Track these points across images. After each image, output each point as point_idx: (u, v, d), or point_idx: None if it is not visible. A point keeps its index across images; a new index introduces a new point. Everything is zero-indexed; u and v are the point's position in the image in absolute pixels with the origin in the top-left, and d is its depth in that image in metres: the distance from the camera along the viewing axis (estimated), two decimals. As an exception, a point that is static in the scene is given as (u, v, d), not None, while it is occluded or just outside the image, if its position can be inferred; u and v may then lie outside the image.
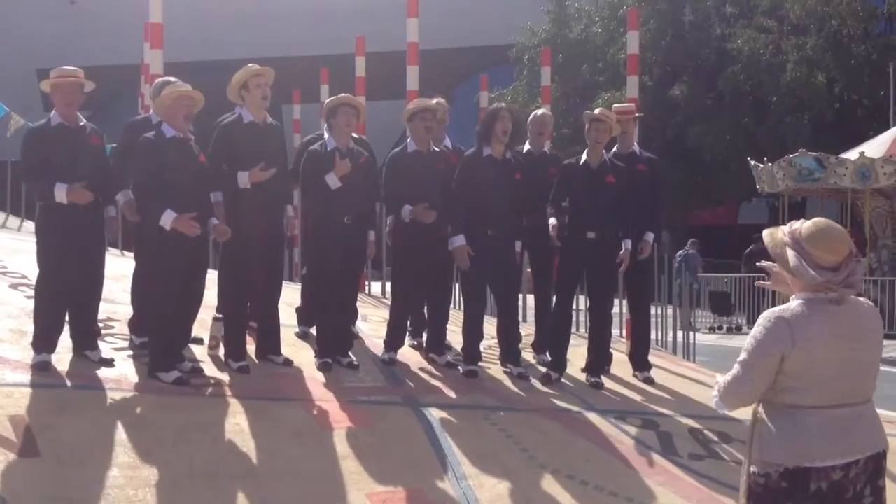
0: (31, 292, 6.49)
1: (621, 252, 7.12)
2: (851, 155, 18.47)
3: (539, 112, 8.16)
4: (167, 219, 5.97)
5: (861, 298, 3.54)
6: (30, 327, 6.25)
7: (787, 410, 3.41)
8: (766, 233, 3.60)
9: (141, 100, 13.06)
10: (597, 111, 7.41)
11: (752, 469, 3.48)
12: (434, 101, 7.45)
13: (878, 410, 3.63)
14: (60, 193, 6.00)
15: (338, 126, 6.90)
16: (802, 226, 3.45)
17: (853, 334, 3.42)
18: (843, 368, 3.38)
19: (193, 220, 6.03)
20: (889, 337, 17.10)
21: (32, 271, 6.56)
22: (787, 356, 3.35)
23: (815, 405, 3.38)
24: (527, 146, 8.00)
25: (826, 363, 3.36)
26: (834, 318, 3.39)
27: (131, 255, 8.98)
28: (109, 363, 6.30)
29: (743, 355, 3.45)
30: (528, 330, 8.27)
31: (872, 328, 3.52)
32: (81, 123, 6.32)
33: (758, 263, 3.82)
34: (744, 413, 3.69)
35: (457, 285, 8.57)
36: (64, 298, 6.26)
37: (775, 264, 3.57)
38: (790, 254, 3.43)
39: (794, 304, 3.44)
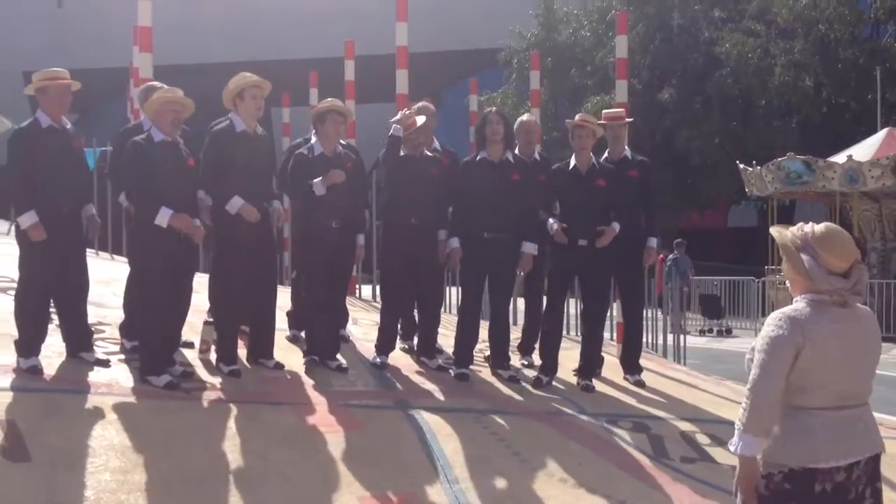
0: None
1: (607, 231, 7.05)
2: (839, 158, 18.58)
3: (524, 118, 8.00)
4: (164, 216, 5.96)
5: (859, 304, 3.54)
6: (19, 331, 6.21)
7: (790, 412, 3.40)
8: (773, 231, 3.58)
9: (130, 104, 13.01)
10: (577, 117, 7.39)
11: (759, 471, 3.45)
12: (421, 103, 7.43)
13: (875, 414, 3.64)
14: (28, 220, 5.96)
15: (325, 133, 6.88)
16: (814, 229, 3.45)
17: (858, 336, 3.43)
18: (848, 370, 3.39)
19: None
20: (883, 340, 17.22)
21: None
22: (800, 353, 3.33)
23: (819, 406, 3.38)
24: (516, 153, 7.92)
25: (835, 363, 3.35)
26: (840, 320, 3.40)
27: (121, 259, 8.97)
28: (105, 364, 6.28)
29: (759, 357, 3.39)
30: (515, 333, 8.27)
31: (873, 331, 3.53)
32: (67, 126, 6.31)
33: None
34: (736, 415, 3.61)
35: (451, 289, 8.58)
36: (46, 302, 6.24)
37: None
38: (804, 257, 3.43)
39: (801, 304, 3.44)
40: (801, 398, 3.38)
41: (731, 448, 3.48)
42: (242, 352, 6.84)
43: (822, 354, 3.33)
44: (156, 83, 6.73)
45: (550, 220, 7.15)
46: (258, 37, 38.39)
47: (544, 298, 7.71)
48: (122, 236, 7.55)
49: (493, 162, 7.11)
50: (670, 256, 19.69)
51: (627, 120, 8.06)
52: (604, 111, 8.29)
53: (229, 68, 6.78)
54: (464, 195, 7.09)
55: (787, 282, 3.58)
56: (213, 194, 6.54)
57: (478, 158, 7.16)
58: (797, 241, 3.45)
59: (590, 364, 7.46)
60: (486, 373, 7.35)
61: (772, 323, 3.40)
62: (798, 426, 3.38)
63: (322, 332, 6.94)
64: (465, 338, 7.20)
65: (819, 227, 3.45)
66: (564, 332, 8.00)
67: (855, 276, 3.40)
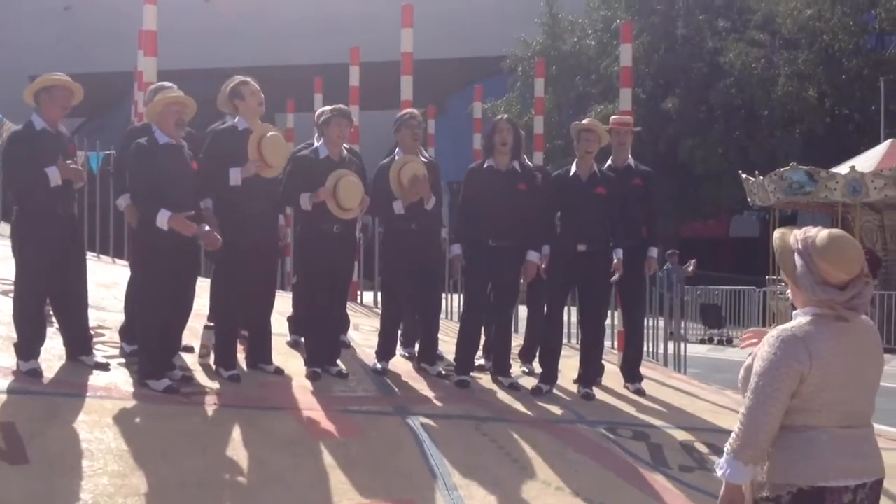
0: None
1: (614, 263, 7.12)
2: (842, 169, 18.59)
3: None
4: (162, 218, 5.95)
5: (862, 316, 3.31)
6: (20, 334, 6.21)
7: (795, 430, 3.20)
8: (777, 233, 3.36)
9: (134, 107, 13.02)
10: (585, 121, 7.41)
11: (763, 494, 3.25)
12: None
13: (876, 426, 3.54)
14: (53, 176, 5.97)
15: (330, 136, 6.90)
16: (817, 235, 3.21)
17: (859, 352, 3.22)
18: (852, 388, 3.20)
19: (189, 219, 6.01)
20: (885, 352, 17.19)
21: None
22: (806, 377, 3.12)
23: (826, 425, 3.19)
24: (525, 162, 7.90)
25: (840, 383, 3.16)
26: (843, 335, 3.18)
27: (122, 262, 8.96)
28: (105, 367, 6.28)
29: (756, 381, 3.17)
30: (516, 340, 8.26)
31: (875, 345, 3.32)
32: (62, 129, 6.29)
33: (744, 336, 3.59)
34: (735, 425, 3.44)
35: (453, 296, 8.58)
36: (43, 305, 6.25)
37: (754, 336, 3.44)
38: (798, 262, 3.21)
39: (803, 320, 3.21)
40: (805, 418, 3.20)
41: (719, 472, 3.25)
42: (242, 357, 6.84)
43: (828, 375, 3.14)
44: (165, 83, 6.72)
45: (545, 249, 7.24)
46: (264, 42, 38.44)
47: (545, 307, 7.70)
48: (123, 240, 7.55)
49: (499, 170, 7.11)
50: (664, 267, 19.48)
51: (636, 129, 8.08)
52: (612, 117, 8.26)
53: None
54: (470, 203, 7.08)
55: (788, 293, 3.45)
56: (216, 198, 6.55)
57: (485, 166, 7.16)
58: (798, 244, 3.23)
59: (590, 372, 7.46)
60: (486, 380, 7.35)
61: (773, 344, 3.16)
62: (806, 443, 3.19)
63: (322, 342, 6.92)
64: (467, 345, 7.19)
65: (823, 234, 3.20)
66: (565, 341, 8.00)
67: (853, 290, 3.14)
